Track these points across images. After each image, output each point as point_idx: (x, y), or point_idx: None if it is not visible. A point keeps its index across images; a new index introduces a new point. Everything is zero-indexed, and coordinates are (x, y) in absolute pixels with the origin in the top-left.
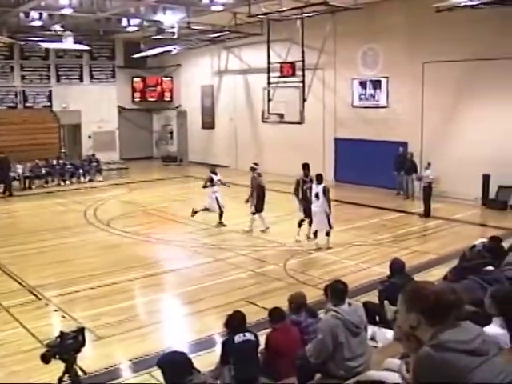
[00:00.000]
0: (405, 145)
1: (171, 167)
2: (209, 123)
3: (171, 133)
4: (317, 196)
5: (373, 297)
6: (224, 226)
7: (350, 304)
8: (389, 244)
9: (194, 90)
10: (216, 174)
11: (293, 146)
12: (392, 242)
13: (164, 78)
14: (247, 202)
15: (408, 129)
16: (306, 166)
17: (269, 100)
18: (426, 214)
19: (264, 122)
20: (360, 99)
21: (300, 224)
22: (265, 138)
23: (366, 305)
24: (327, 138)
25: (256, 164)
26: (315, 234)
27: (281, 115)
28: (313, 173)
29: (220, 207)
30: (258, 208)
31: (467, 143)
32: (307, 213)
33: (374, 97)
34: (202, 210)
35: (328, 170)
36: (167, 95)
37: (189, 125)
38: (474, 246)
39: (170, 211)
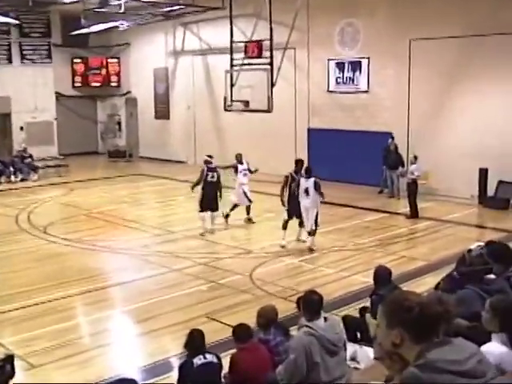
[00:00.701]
0: (389, 135)
1: (119, 164)
2: (163, 112)
3: (119, 124)
4: (307, 192)
5: (354, 310)
6: (253, 222)
7: (326, 319)
8: (372, 249)
9: (145, 74)
10: (242, 162)
11: (260, 137)
12: (376, 246)
13: (110, 60)
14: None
15: (392, 117)
16: (299, 162)
17: (232, 85)
18: (414, 214)
19: (227, 110)
20: (337, 83)
21: (285, 226)
22: (228, 128)
23: (345, 319)
24: (299, 129)
25: (210, 156)
26: (313, 232)
27: (246, 102)
28: (282, 167)
29: (249, 200)
30: (204, 206)
31: (461, 132)
32: (293, 213)
33: (352, 80)
34: (231, 209)
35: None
36: (114, 80)
37: (140, 114)
38: (470, 250)
39: (119, 215)
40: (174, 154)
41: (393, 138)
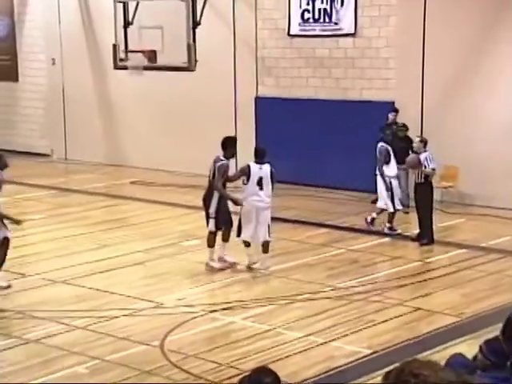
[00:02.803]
0: (390, 106)
1: None
2: (6, 70)
3: None
4: (260, 184)
5: None
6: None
7: None
8: (364, 296)
9: None
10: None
11: (175, 114)
12: (370, 292)
13: None
14: None
15: (396, 76)
16: (227, 143)
17: (127, 24)
18: (428, 237)
19: (119, 68)
20: (304, 21)
21: (212, 243)
22: (121, 99)
23: None
24: (242, 98)
25: None
26: (248, 244)
27: (151, 54)
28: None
29: (394, 204)
30: None
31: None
32: (224, 221)
33: (329, 16)
34: (378, 213)
35: (244, 155)
36: None
37: None
38: None
39: None
40: (29, 142)
41: (396, 111)
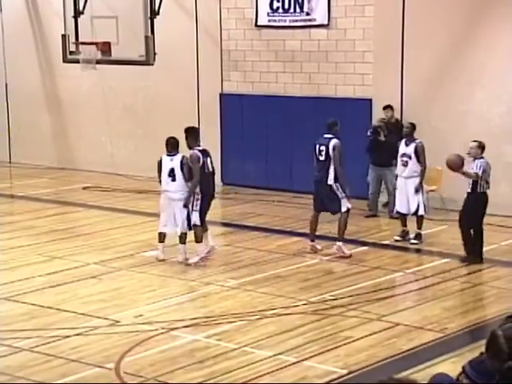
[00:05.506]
0: (367, 103)
1: None
2: None
3: None
4: (172, 175)
5: None
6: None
7: None
8: (340, 310)
9: None
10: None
11: (133, 114)
12: (346, 306)
13: None
14: None
15: (373, 71)
16: (191, 132)
17: (78, 13)
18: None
19: (69, 61)
20: (273, 11)
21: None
22: (72, 95)
23: None
24: (205, 94)
25: None
26: (163, 236)
27: (105, 47)
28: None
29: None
30: None
31: (500, 99)
32: None
33: (300, 5)
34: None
35: None
36: None
37: None
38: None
39: None
40: None
41: (390, 107)
